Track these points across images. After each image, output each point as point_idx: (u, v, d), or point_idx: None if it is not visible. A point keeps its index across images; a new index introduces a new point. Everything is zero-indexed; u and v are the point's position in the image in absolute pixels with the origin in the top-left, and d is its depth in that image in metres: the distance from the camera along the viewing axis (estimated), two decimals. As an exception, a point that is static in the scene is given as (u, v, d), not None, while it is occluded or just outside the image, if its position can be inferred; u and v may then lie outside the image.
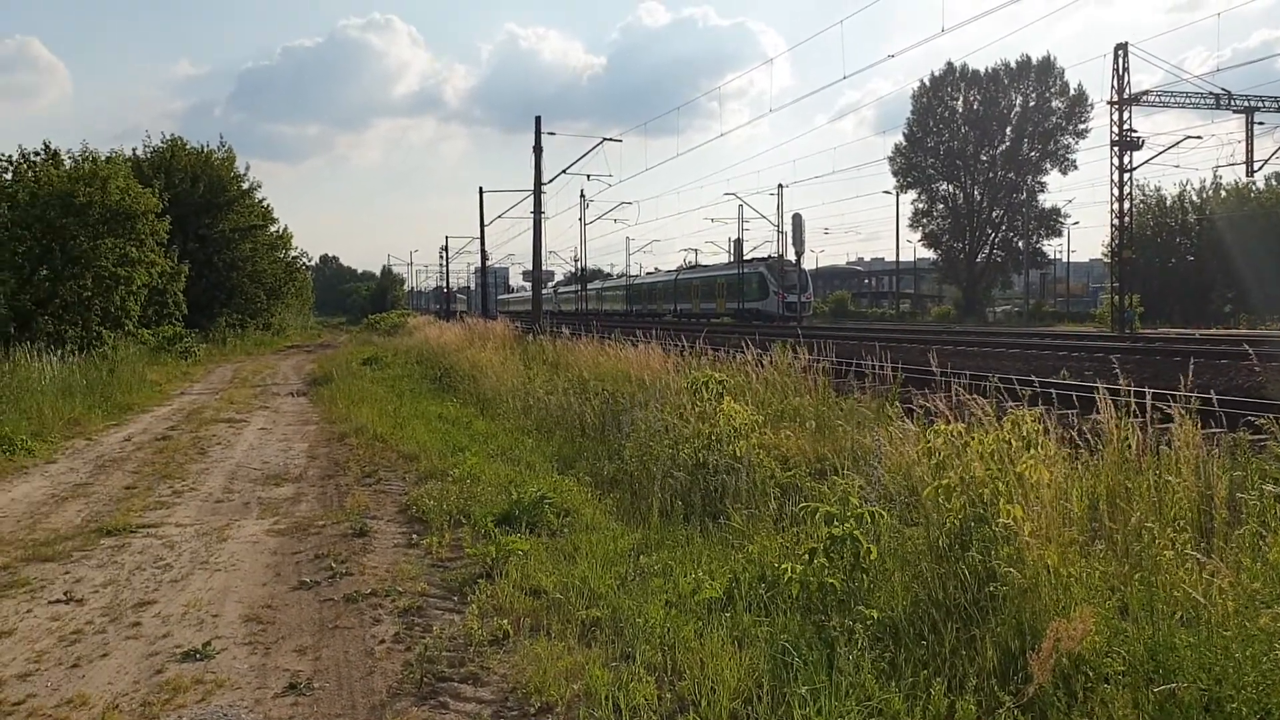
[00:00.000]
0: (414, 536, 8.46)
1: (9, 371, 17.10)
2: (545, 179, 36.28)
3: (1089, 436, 6.96)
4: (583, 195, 71.42)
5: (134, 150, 42.72)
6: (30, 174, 27.03)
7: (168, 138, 44.14)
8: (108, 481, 11.37)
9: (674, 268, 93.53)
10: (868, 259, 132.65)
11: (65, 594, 6.92)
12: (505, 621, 5.93)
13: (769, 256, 68.80)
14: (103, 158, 29.46)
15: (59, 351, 20.03)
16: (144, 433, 15.70)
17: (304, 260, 59.88)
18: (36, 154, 27.90)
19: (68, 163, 28.12)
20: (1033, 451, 5.55)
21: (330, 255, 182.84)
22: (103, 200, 26.41)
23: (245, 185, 46.55)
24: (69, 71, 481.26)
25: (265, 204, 48.67)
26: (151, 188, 30.05)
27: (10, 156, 27.69)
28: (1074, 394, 8.82)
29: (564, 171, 45.40)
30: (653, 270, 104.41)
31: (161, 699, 5.07)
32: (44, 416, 15.37)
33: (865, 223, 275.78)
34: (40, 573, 7.49)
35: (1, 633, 6.13)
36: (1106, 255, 54.51)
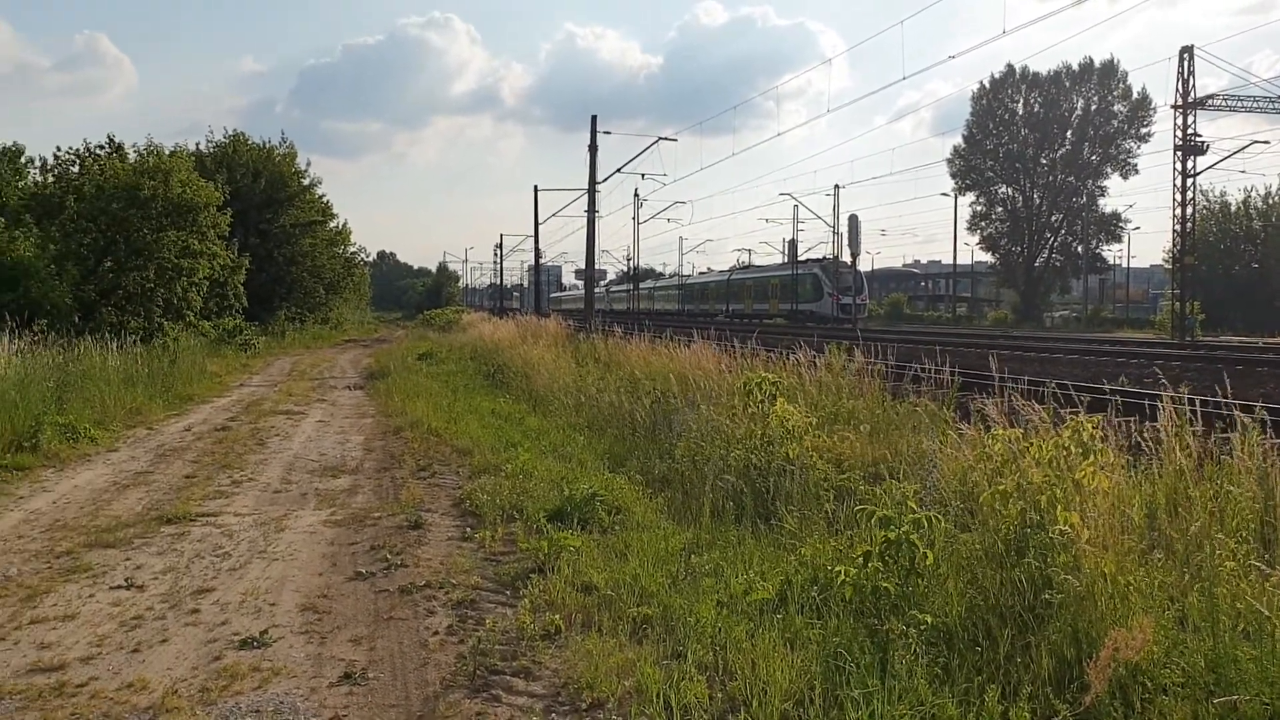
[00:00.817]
0: (467, 530, 8.51)
1: (73, 361, 17.42)
2: (600, 178, 36.41)
3: (1148, 444, 6.85)
4: (637, 194, 71.53)
5: (197, 145, 43.53)
6: (96, 167, 27.57)
7: (230, 133, 44.88)
8: (168, 470, 11.57)
9: (727, 268, 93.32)
10: (924, 261, 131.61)
11: (126, 580, 7.05)
12: (557, 617, 5.96)
13: (824, 258, 68.39)
14: (166, 152, 29.98)
15: (121, 341, 20.35)
16: (204, 423, 15.96)
17: (362, 256, 60.80)
18: (100, 147, 28.47)
19: (132, 156, 28.64)
20: (1091, 458, 5.47)
21: (387, 251, 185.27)
22: (165, 193, 26.86)
23: (306, 181, 47.29)
24: (135, 67, 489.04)
25: (325, 200, 49.44)
26: (213, 182, 30.54)
27: (77, 150, 28.30)
28: (1133, 400, 8.68)
29: (618, 170, 45.16)
30: (705, 270, 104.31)
31: (219, 685, 5.16)
32: (106, 405, 15.65)
33: (922, 225, 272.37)
34: (102, 558, 7.64)
35: (65, 616, 6.26)
36: (1167, 261, 53.62)
